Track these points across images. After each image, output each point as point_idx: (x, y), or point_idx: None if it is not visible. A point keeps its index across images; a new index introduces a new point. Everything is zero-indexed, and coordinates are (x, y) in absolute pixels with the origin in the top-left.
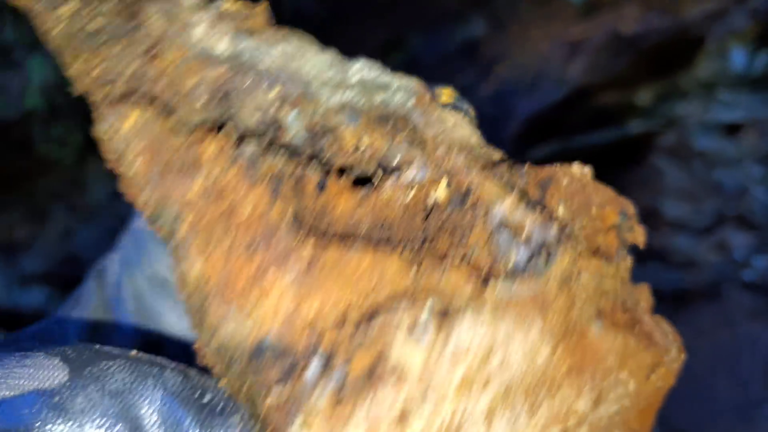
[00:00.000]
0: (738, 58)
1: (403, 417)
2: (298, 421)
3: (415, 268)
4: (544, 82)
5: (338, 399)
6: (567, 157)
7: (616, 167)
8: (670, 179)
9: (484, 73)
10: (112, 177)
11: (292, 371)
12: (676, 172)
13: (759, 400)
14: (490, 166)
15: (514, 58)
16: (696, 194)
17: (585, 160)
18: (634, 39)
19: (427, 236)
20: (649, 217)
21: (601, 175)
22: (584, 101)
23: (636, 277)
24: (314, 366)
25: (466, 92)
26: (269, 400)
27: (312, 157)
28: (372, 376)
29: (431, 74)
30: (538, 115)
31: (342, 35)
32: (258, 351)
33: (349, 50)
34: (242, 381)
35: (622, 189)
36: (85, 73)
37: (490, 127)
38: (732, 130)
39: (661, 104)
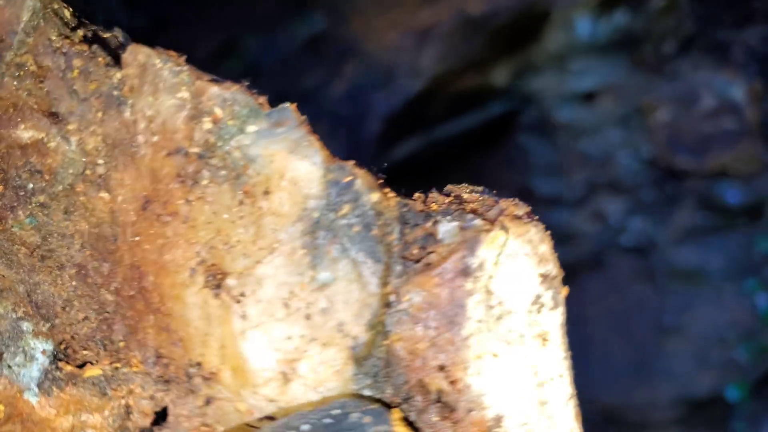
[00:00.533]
0: (583, 26)
1: None
2: (485, 243)
3: None
4: (397, 75)
5: (498, 212)
6: (432, 151)
7: (482, 151)
8: (536, 156)
9: (332, 71)
10: None
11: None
12: (542, 148)
13: (653, 358)
14: None
15: (362, 53)
16: (564, 167)
17: (450, 150)
18: (483, 19)
19: None
20: (521, 196)
21: (467, 162)
22: (441, 89)
23: None
24: (449, 218)
25: (314, 94)
26: (435, 257)
27: None
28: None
29: (273, 79)
30: (397, 110)
31: (167, 45)
32: (403, 217)
33: None
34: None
35: (489, 172)
36: None
37: (347, 129)
38: (588, 98)
39: (517, 82)
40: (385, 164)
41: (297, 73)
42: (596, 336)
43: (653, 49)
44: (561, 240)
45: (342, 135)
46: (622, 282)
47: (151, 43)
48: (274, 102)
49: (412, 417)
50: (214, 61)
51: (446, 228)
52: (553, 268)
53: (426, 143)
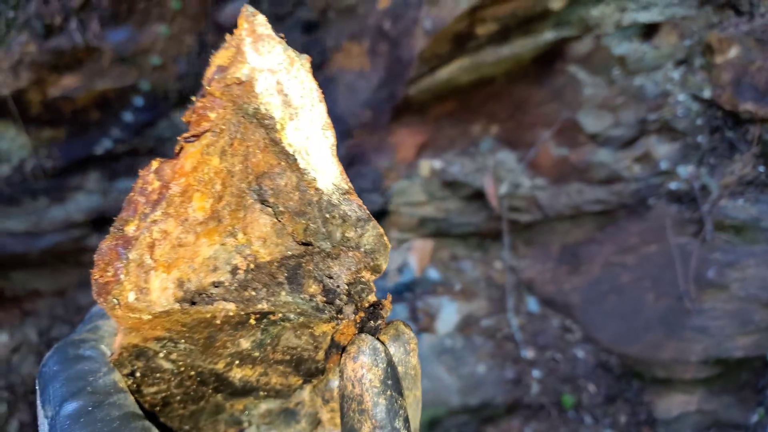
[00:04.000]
0: None
1: None
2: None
3: None
4: None
5: None
6: (476, 76)
7: (530, 79)
8: (588, 89)
9: None
10: None
11: None
12: (595, 81)
13: (687, 312)
14: None
15: None
16: (616, 104)
17: (495, 75)
18: None
19: None
20: (568, 132)
21: (513, 89)
22: (493, 9)
23: (558, 197)
24: None
25: (357, 8)
26: None
27: None
28: None
29: (306, 3)
30: (443, 28)
31: None
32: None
33: None
34: None
35: (536, 103)
36: None
37: (390, 45)
38: (649, 30)
39: (575, 8)
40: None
41: None
42: (632, 285)
43: None
44: (605, 182)
45: (384, 51)
46: (666, 230)
47: None
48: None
49: None
50: None
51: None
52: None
53: (471, 66)
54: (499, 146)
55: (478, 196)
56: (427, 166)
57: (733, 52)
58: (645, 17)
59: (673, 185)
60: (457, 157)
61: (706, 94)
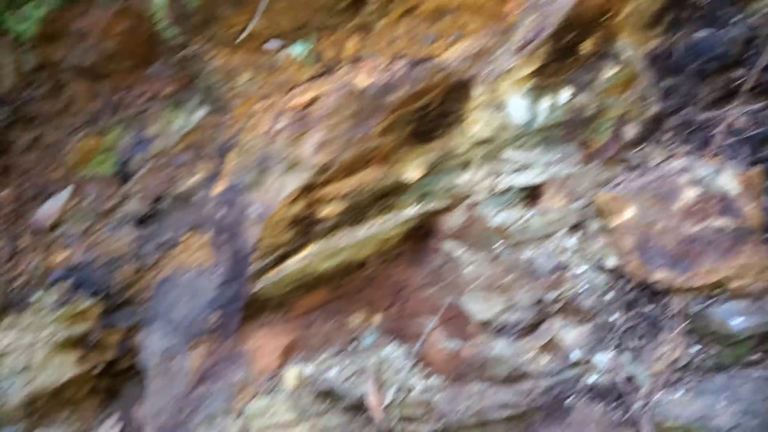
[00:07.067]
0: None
1: None
2: None
3: None
4: None
5: None
6: (339, 257)
7: (407, 260)
8: (469, 268)
9: None
10: None
11: None
12: (475, 258)
13: None
14: None
15: None
16: (504, 283)
17: (368, 258)
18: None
19: None
20: (456, 320)
21: (392, 275)
22: (331, 187)
23: (458, 400)
24: None
25: (191, 197)
26: None
27: None
28: None
29: None
30: (274, 213)
31: None
32: None
33: None
34: None
35: (418, 287)
36: None
37: (231, 238)
38: (531, 195)
39: (436, 177)
40: None
41: None
42: None
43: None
44: (508, 380)
45: (225, 242)
46: None
47: None
48: None
49: None
50: None
51: None
52: None
53: (327, 252)
54: (384, 339)
55: (362, 407)
56: (294, 374)
57: (629, 212)
58: (522, 180)
59: (591, 378)
60: (334, 357)
61: (610, 263)
